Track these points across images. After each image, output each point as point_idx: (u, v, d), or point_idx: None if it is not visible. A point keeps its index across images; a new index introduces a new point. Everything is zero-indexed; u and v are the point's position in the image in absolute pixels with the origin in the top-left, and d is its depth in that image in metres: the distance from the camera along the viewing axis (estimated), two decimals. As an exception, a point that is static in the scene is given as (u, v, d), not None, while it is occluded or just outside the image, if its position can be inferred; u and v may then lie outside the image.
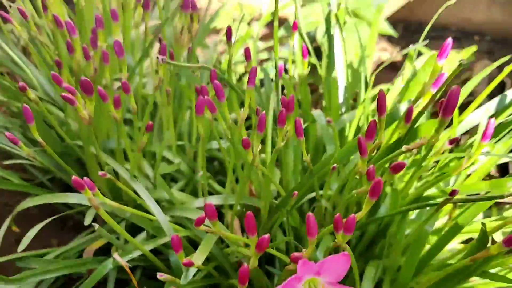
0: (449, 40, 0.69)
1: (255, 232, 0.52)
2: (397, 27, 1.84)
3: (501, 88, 1.56)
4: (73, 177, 0.56)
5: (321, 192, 0.83)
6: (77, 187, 0.58)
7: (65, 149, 1.03)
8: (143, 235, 0.90)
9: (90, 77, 0.82)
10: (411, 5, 1.77)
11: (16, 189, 0.95)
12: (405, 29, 1.97)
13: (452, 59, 1.40)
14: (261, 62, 1.56)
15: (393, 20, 1.74)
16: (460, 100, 0.94)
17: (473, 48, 1.26)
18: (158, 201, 0.92)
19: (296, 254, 0.52)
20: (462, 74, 1.56)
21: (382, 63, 1.63)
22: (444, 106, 0.56)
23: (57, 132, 0.94)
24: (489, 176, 1.28)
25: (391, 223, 0.85)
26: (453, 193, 0.62)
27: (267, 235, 0.51)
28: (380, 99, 0.60)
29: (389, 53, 1.80)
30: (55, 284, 0.89)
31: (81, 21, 1.07)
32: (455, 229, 0.77)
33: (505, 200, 1.12)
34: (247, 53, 0.81)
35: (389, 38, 1.88)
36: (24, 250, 0.76)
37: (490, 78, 1.55)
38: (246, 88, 0.72)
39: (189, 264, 0.61)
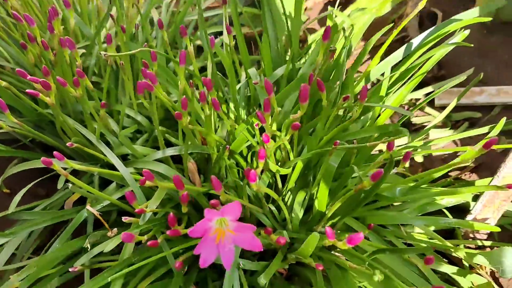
0: None
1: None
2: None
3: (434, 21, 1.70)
4: (42, 158, 0.74)
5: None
6: (46, 165, 0.75)
7: (39, 116, 1.20)
8: (113, 185, 1.10)
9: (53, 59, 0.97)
10: None
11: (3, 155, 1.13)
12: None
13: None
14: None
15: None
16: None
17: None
18: (123, 156, 1.12)
19: (213, 201, 0.71)
20: (400, 9, 1.69)
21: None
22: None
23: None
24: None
25: (313, 160, 1.05)
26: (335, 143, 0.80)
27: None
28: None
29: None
30: (44, 232, 1.09)
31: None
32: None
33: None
34: (182, 30, 0.96)
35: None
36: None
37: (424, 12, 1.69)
38: (178, 66, 0.88)
39: (141, 212, 0.80)
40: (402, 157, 0.91)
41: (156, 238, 0.83)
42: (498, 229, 1.03)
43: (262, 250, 0.67)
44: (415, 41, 1.09)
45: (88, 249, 0.91)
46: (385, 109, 1.03)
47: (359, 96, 0.89)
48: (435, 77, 1.48)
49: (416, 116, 1.47)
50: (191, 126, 0.88)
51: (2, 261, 0.92)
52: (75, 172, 1.01)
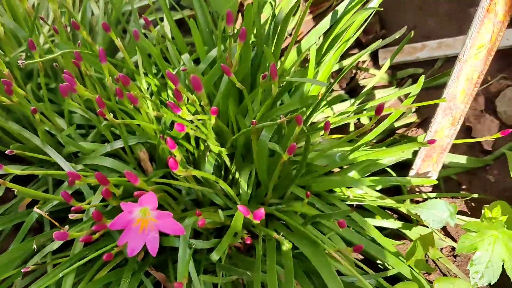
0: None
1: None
2: None
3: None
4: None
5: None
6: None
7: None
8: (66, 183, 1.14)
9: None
10: None
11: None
12: None
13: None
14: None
15: None
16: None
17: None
18: (75, 153, 1.15)
19: (136, 192, 0.75)
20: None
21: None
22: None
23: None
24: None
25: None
26: (253, 123, 0.83)
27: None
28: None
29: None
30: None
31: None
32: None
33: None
34: (105, 27, 0.98)
35: None
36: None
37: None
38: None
39: (78, 209, 0.84)
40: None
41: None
42: (435, 182, 1.09)
43: (184, 233, 0.71)
44: (341, 8, 1.12)
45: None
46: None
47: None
48: (375, 37, 1.50)
49: (364, 79, 1.50)
50: (120, 121, 0.91)
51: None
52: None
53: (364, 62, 1.53)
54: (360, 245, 0.76)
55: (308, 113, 1.07)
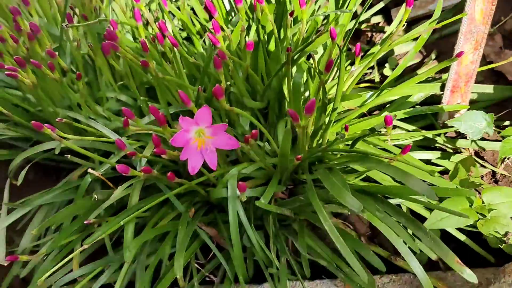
0: None
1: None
2: None
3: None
4: (33, 122, 0.82)
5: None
6: (37, 127, 0.83)
7: (31, 117, 1.29)
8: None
9: (25, 54, 1.06)
10: None
11: (5, 158, 1.22)
12: None
13: None
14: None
15: None
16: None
17: None
18: (115, 131, 1.20)
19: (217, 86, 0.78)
20: None
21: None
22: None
23: (21, 106, 1.20)
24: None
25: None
26: (288, 49, 0.88)
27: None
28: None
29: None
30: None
31: (4, 13, 1.29)
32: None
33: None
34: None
35: None
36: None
37: None
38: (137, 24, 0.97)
39: (133, 154, 0.88)
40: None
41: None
42: (467, 106, 1.11)
43: (239, 146, 0.75)
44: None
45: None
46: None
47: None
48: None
49: (380, 39, 1.54)
50: (161, 75, 0.96)
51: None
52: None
53: (378, 24, 1.57)
54: (408, 145, 0.78)
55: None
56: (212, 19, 0.82)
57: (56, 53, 1.33)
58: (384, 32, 1.55)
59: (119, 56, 1.17)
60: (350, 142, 1.00)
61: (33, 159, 1.23)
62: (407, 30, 1.51)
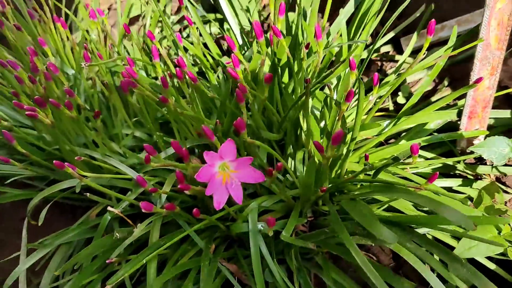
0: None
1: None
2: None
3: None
4: (54, 161, 0.82)
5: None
6: (59, 167, 0.83)
7: (47, 156, 1.29)
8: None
9: (42, 94, 1.07)
10: None
11: (22, 198, 1.21)
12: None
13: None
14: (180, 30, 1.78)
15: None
16: None
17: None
18: (132, 167, 1.20)
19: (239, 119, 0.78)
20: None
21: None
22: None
23: (37, 145, 1.20)
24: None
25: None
26: (307, 81, 0.88)
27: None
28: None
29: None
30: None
31: (19, 54, 1.30)
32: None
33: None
34: (149, 35, 1.05)
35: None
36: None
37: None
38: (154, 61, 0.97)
39: (154, 191, 0.87)
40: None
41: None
42: (486, 132, 1.10)
43: (264, 179, 0.74)
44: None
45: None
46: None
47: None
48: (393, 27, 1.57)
49: (391, 68, 1.55)
50: (179, 110, 0.96)
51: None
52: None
53: (387, 53, 1.58)
54: (435, 173, 0.77)
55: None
56: (232, 54, 0.83)
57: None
58: (395, 61, 1.56)
59: (133, 92, 1.18)
60: (369, 172, 0.99)
61: (50, 198, 1.22)
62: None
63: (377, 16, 1.16)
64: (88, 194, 0.97)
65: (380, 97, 1.29)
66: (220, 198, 0.75)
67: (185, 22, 1.73)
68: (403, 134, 1.24)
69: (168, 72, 0.99)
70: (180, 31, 1.75)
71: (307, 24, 1.06)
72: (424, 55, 1.00)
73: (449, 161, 1.09)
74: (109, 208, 0.96)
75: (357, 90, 1.11)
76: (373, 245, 1.07)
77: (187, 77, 0.93)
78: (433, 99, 1.37)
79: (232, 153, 0.73)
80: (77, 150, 1.15)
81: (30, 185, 1.38)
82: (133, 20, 1.92)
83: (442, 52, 1.16)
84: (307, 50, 0.95)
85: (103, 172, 1.25)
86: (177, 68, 0.89)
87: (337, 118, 0.88)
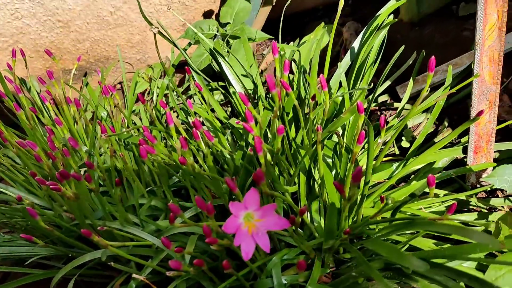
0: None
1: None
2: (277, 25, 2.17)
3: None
4: (82, 230, 0.84)
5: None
6: (86, 235, 0.85)
7: (66, 233, 1.30)
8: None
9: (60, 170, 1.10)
10: (278, 4, 2.09)
11: (44, 277, 1.21)
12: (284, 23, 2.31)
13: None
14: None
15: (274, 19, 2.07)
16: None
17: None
18: (151, 234, 1.21)
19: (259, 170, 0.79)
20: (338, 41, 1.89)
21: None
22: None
23: (53, 223, 1.22)
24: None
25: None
26: (318, 129, 0.92)
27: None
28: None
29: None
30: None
31: (33, 137, 1.35)
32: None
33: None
34: (161, 104, 1.11)
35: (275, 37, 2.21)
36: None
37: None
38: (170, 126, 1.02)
39: (179, 250, 0.88)
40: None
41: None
42: (493, 164, 1.13)
43: (290, 225, 0.75)
44: (356, 44, 1.26)
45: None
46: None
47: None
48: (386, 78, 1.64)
49: (390, 116, 1.60)
50: (198, 168, 0.99)
51: None
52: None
53: (385, 101, 1.64)
54: (453, 203, 0.79)
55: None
56: (246, 109, 0.87)
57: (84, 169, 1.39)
58: (394, 109, 1.61)
59: (143, 162, 1.22)
60: (385, 214, 1.01)
61: (68, 277, 1.22)
62: (413, 103, 1.58)
63: (373, 66, 1.22)
64: (112, 263, 0.98)
65: (385, 143, 1.33)
66: (248, 248, 0.76)
67: (189, 93, 1.80)
68: (412, 176, 1.27)
69: (182, 136, 1.03)
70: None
71: (309, 77, 1.12)
72: (427, 92, 1.05)
73: (462, 196, 1.11)
74: (134, 275, 0.96)
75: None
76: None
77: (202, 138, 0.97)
78: (436, 140, 1.41)
79: (256, 202, 0.75)
80: (96, 223, 1.17)
81: (47, 265, 1.38)
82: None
83: (441, 92, 1.21)
84: (313, 101, 0.99)
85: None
86: (194, 129, 0.93)
87: (349, 162, 0.91)
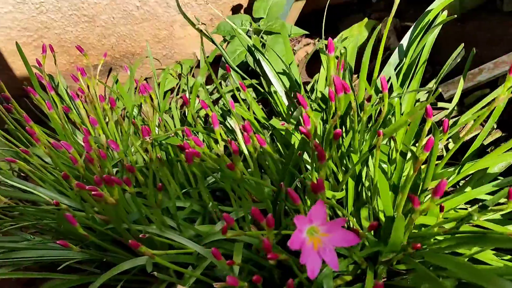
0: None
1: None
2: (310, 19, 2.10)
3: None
4: (130, 241, 0.78)
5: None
6: (134, 246, 0.80)
7: (97, 237, 1.25)
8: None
9: (98, 172, 1.05)
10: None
11: (79, 283, 1.17)
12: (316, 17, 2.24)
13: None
14: (217, 100, 1.79)
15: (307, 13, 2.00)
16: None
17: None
18: (190, 239, 1.16)
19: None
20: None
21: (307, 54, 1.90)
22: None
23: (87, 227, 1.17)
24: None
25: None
26: (379, 133, 0.85)
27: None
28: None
29: (312, 45, 2.06)
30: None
31: (64, 137, 1.30)
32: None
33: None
34: (202, 104, 1.05)
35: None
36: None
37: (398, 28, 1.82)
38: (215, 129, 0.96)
39: (231, 263, 0.83)
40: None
41: None
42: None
43: (359, 241, 0.69)
44: (404, 41, 1.19)
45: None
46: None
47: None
48: (431, 76, 1.57)
49: (434, 115, 1.53)
50: (246, 172, 0.93)
51: None
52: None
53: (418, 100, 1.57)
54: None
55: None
56: (304, 114, 0.81)
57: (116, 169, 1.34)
58: (438, 109, 1.54)
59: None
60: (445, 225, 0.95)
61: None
62: (459, 102, 1.51)
63: (424, 64, 1.15)
64: (155, 273, 0.93)
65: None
66: (313, 266, 0.70)
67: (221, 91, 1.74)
68: (462, 182, 1.20)
69: (229, 139, 0.98)
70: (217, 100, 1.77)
71: (360, 77, 1.06)
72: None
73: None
74: (179, 286, 0.91)
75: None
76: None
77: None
78: (486, 142, 1.34)
79: (322, 216, 0.69)
80: (133, 227, 1.11)
81: (79, 269, 1.33)
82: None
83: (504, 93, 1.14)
84: (368, 103, 0.93)
85: (157, 248, 1.21)
86: (245, 133, 0.88)
87: (413, 170, 0.85)
